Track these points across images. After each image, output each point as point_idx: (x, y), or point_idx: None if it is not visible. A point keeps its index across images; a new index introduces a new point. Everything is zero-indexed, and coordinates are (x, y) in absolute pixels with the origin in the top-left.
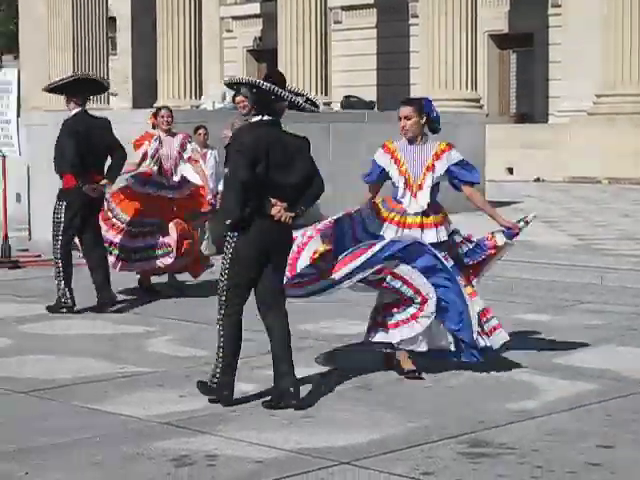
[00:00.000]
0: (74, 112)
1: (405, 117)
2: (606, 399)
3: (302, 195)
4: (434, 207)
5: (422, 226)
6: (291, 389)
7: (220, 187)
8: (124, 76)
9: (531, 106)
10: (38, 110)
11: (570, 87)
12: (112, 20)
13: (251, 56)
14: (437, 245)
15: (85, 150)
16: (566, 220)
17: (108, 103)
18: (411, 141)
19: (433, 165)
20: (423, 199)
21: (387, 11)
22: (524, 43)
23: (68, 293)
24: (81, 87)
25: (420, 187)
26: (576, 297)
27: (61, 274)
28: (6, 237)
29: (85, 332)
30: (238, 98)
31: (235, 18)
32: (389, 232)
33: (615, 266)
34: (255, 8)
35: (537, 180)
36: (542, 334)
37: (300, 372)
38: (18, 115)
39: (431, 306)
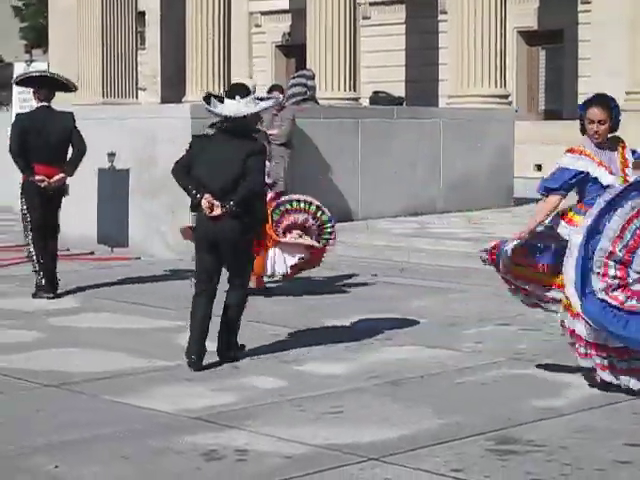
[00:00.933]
0: (35, 106)
1: (599, 121)
2: (634, 397)
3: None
4: None
5: None
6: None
7: None
8: (152, 71)
9: (560, 103)
10: (66, 104)
11: (599, 84)
12: (141, 14)
13: (280, 51)
14: None
15: (35, 144)
16: None
17: (137, 98)
18: (600, 146)
19: (626, 160)
20: None
21: (416, 7)
22: (553, 40)
23: (44, 281)
24: (47, 83)
25: None
26: None
27: (36, 265)
28: None
29: (114, 326)
30: (275, 93)
31: (264, 13)
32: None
33: None
34: (284, 3)
35: None
36: None
37: (329, 368)
38: None
39: None
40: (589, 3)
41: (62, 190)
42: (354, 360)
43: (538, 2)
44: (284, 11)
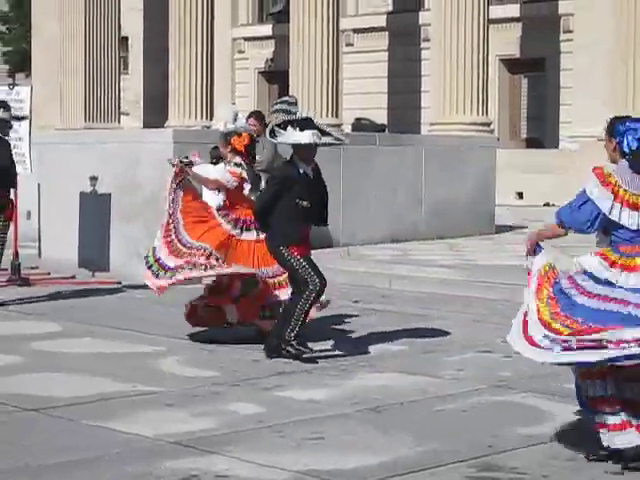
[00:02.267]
0: None
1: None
2: None
3: None
4: None
5: None
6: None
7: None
8: (135, 95)
9: (542, 131)
10: (49, 128)
11: (581, 112)
12: (124, 39)
13: (262, 78)
14: None
15: None
16: (574, 245)
17: (119, 122)
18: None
19: None
20: None
21: (399, 34)
22: (535, 68)
23: None
24: None
25: None
26: None
27: None
28: (16, 255)
29: (95, 351)
30: (250, 120)
31: (247, 39)
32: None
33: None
34: (267, 30)
35: (546, 205)
36: None
37: (310, 394)
38: (30, 133)
39: None
40: (571, 32)
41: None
42: (335, 386)
43: (520, 31)
44: (267, 37)
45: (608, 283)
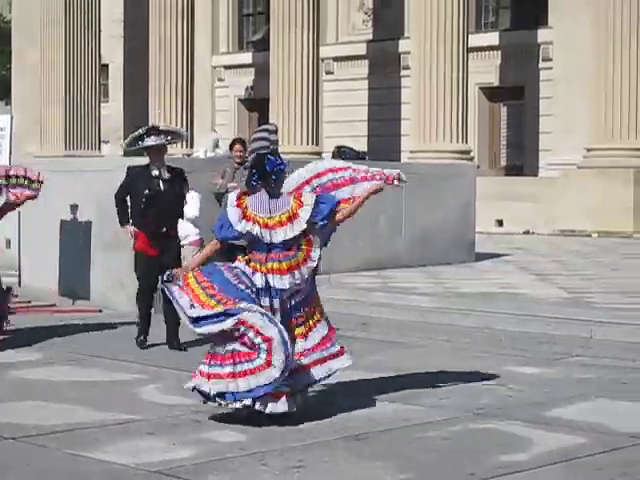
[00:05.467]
0: None
1: None
2: (597, 452)
3: None
4: None
5: None
6: None
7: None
8: (116, 123)
9: (522, 159)
10: (30, 156)
11: (561, 140)
12: (104, 67)
13: (243, 105)
14: None
15: None
16: (556, 273)
17: (99, 150)
18: None
19: None
20: None
21: (379, 63)
22: (515, 96)
23: None
24: None
25: None
26: (566, 350)
27: None
28: None
29: (76, 379)
30: (236, 146)
31: (227, 67)
32: None
33: (605, 319)
34: (247, 58)
35: (526, 233)
36: (532, 387)
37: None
38: (10, 161)
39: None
40: (550, 60)
41: None
42: (316, 414)
43: (500, 59)
44: (247, 65)
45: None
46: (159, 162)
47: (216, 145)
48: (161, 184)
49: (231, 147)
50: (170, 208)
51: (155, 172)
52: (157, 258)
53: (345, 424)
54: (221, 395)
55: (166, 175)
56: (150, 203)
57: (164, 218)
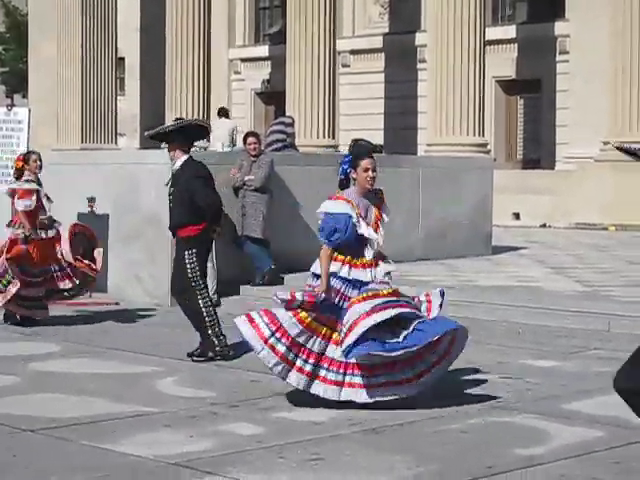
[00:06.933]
0: None
1: (373, 169)
2: (614, 446)
3: None
4: None
5: None
6: None
7: None
8: (132, 116)
9: (538, 152)
10: (46, 149)
11: (577, 133)
12: (121, 60)
13: (259, 98)
14: None
15: None
16: (573, 266)
17: (116, 143)
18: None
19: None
20: None
21: (395, 56)
22: (532, 89)
23: None
24: None
25: None
26: (583, 344)
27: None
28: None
29: (94, 371)
30: (249, 139)
31: (243, 60)
32: None
33: (622, 313)
34: (264, 51)
35: (543, 226)
36: (550, 380)
37: (307, 415)
38: None
39: None
40: (567, 53)
41: None
42: (334, 407)
43: (517, 52)
44: (263, 58)
45: None
46: None
47: (233, 134)
48: None
49: (245, 140)
50: None
51: None
52: None
53: (363, 417)
54: None
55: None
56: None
57: None
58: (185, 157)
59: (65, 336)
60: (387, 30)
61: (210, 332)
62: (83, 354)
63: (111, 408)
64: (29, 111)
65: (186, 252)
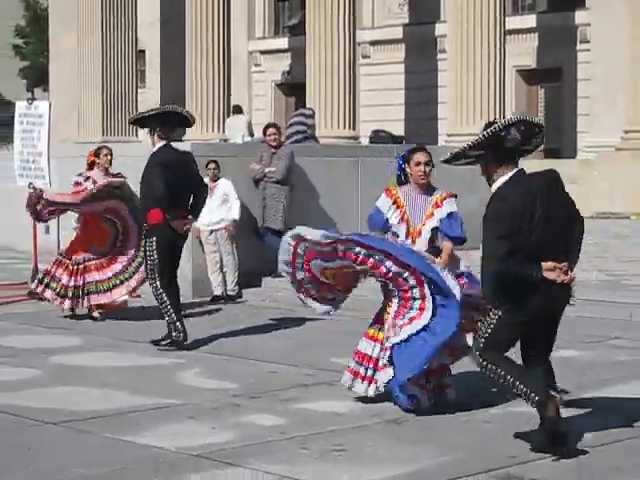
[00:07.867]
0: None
1: (426, 163)
2: (636, 436)
3: None
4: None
5: None
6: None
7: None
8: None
9: (559, 141)
10: (66, 142)
11: (598, 122)
12: (141, 53)
13: (279, 90)
14: None
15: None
16: (594, 255)
17: (137, 136)
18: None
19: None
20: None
21: (415, 46)
22: (552, 78)
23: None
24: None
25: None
26: (605, 333)
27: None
28: (36, 269)
29: (116, 364)
30: (269, 130)
31: (263, 52)
32: None
33: None
34: (283, 43)
35: None
36: (570, 369)
37: (331, 406)
38: (48, 148)
39: None
40: (588, 42)
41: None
42: (355, 398)
43: (537, 41)
44: (283, 50)
45: None
46: None
47: (249, 127)
48: None
49: (264, 132)
50: None
51: None
52: None
53: (384, 409)
54: None
55: None
56: None
57: None
58: (161, 144)
59: (87, 329)
60: (407, 21)
61: (167, 319)
62: (105, 347)
63: (133, 401)
64: (50, 105)
65: (147, 240)
